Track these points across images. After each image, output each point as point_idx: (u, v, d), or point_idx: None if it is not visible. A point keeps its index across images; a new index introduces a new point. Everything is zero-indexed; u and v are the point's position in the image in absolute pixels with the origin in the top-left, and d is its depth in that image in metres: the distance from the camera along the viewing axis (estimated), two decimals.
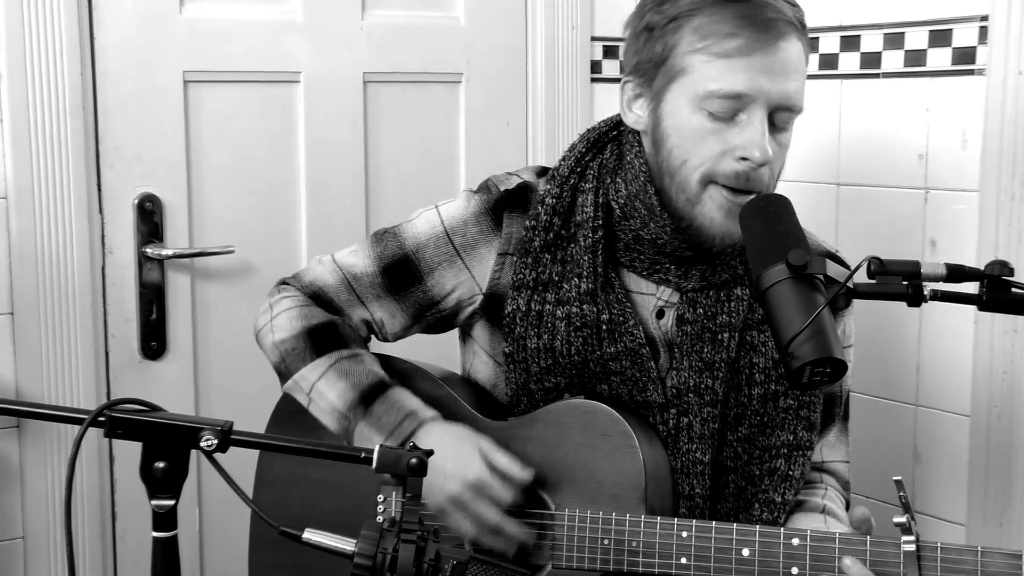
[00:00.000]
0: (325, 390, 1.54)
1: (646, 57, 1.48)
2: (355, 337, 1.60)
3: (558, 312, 1.52)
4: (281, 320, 1.59)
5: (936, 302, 1.23)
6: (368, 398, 1.53)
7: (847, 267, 1.57)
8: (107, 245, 2.15)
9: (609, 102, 2.56)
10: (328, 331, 1.57)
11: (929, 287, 1.22)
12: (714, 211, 1.44)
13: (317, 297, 1.62)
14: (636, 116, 1.51)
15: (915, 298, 1.22)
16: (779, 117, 1.45)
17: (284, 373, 1.59)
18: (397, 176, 2.41)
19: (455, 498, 1.46)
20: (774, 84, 1.42)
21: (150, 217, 2.17)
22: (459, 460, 1.46)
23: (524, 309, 1.53)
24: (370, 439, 1.51)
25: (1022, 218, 1.87)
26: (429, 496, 1.47)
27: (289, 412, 1.60)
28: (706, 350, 1.51)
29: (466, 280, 1.58)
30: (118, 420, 1.11)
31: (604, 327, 1.51)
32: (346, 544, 1.09)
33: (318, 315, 1.59)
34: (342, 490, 1.57)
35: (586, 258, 1.52)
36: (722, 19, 1.42)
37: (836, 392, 1.64)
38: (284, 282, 1.66)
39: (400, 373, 1.61)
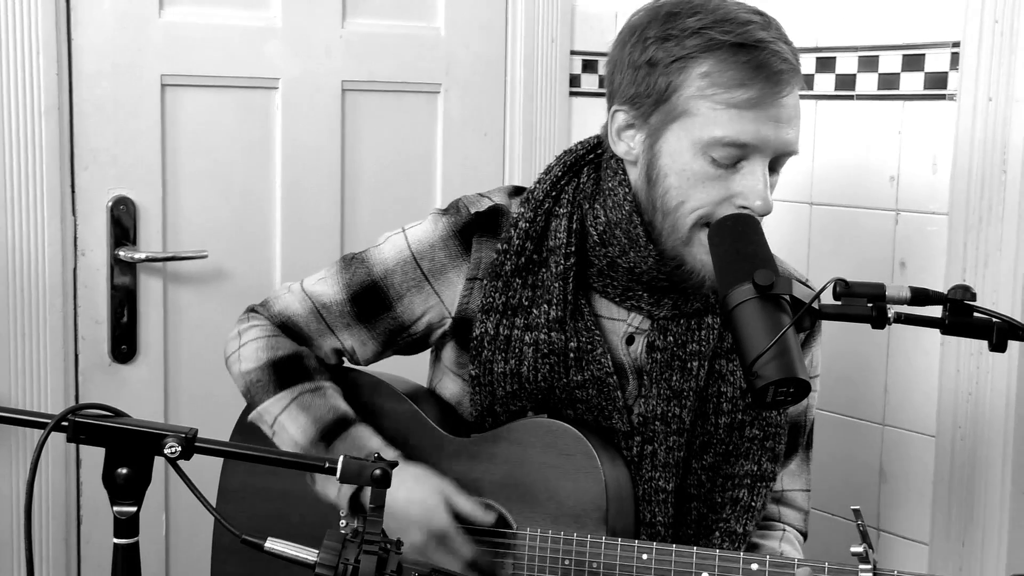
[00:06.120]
0: (287, 424, 1.53)
1: (645, 91, 1.44)
2: (320, 369, 1.58)
3: (526, 338, 1.50)
4: (248, 350, 1.58)
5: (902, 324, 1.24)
6: (329, 435, 1.51)
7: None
8: (79, 247, 2.14)
9: (587, 115, 2.57)
10: (292, 363, 1.56)
11: (893, 310, 1.23)
12: (704, 254, 1.42)
13: (286, 327, 1.60)
14: (627, 147, 1.48)
15: (879, 320, 1.23)
16: (777, 162, 1.45)
17: (250, 403, 1.58)
18: (373, 185, 2.41)
19: (417, 547, 1.45)
20: (779, 134, 1.41)
21: (124, 220, 2.17)
22: (424, 506, 1.45)
23: (492, 333, 1.52)
24: (330, 477, 1.49)
25: (989, 241, 1.89)
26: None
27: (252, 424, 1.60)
28: (675, 378, 1.50)
29: (435, 305, 1.57)
30: (81, 425, 1.11)
31: (572, 355, 1.49)
32: (308, 554, 1.09)
33: (284, 346, 1.58)
34: (306, 502, 1.57)
35: (556, 285, 1.50)
36: (733, 67, 1.39)
37: (801, 421, 1.64)
38: (253, 309, 1.64)
39: (363, 387, 1.60)
